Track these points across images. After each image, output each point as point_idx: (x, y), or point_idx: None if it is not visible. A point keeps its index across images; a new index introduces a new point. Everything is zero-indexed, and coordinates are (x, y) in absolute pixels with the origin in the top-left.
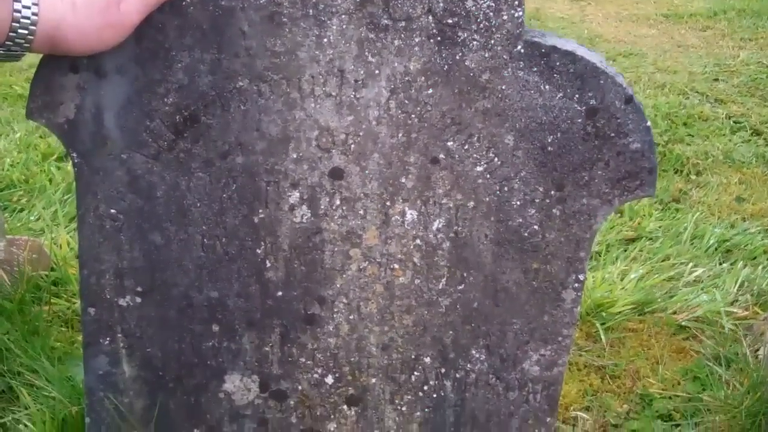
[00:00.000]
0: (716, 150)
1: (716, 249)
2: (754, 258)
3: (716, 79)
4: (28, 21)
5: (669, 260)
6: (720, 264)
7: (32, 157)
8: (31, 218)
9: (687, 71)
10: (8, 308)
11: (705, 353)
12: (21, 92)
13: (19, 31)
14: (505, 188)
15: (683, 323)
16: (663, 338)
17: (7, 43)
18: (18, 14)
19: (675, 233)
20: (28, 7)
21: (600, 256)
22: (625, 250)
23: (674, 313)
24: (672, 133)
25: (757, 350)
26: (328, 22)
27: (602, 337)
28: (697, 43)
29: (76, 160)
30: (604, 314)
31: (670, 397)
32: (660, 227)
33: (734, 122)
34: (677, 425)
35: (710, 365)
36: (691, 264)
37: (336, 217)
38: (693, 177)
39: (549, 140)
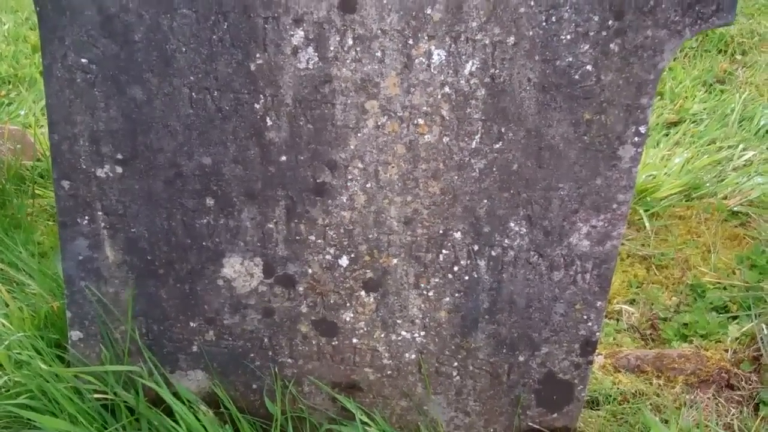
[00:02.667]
0: (763, 28)
1: (767, 131)
2: None
3: None
4: None
5: (715, 144)
6: None
7: (21, 50)
8: (20, 112)
9: None
10: None
11: (763, 238)
12: None
13: None
14: (553, 18)
15: (735, 208)
16: (714, 225)
17: None
18: None
19: (721, 115)
20: None
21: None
22: (667, 134)
23: (725, 198)
24: None
25: None
26: None
27: (646, 224)
28: None
29: None
30: (648, 200)
31: (725, 288)
32: (704, 109)
33: None
34: (735, 317)
35: None
36: (740, 147)
37: (348, 61)
38: (738, 57)
39: None
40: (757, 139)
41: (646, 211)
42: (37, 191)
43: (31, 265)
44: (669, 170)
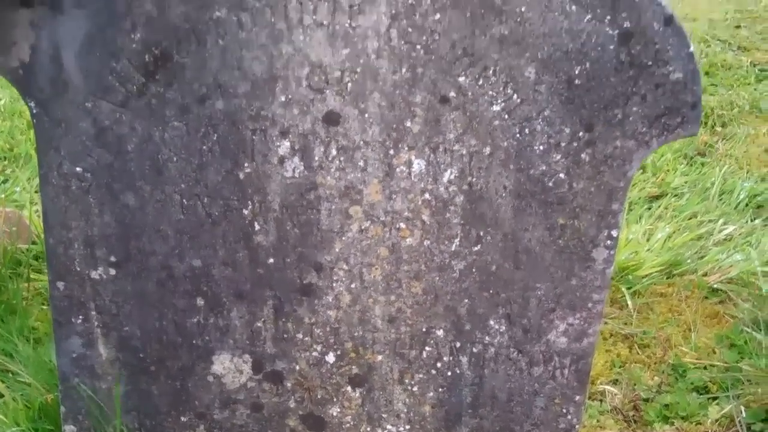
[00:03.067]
0: (742, 100)
1: (747, 204)
2: None
3: (738, 26)
4: None
5: (697, 218)
6: (752, 220)
7: (17, 125)
8: (16, 189)
9: (707, 18)
10: None
11: (741, 318)
12: None
13: None
14: (526, 130)
15: (715, 286)
16: (694, 302)
17: None
18: None
19: (702, 189)
20: None
21: (623, 215)
22: (650, 208)
23: (705, 274)
24: None
25: None
26: None
27: (629, 302)
28: None
29: (34, 111)
30: (630, 278)
31: (705, 367)
32: (686, 183)
33: (759, 70)
34: (714, 398)
35: (748, 331)
36: (720, 221)
37: (332, 170)
38: (718, 129)
39: (576, 72)
40: (737, 213)
41: (628, 288)
42: (31, 275)
43: (26, 355)
44: (651, 246)
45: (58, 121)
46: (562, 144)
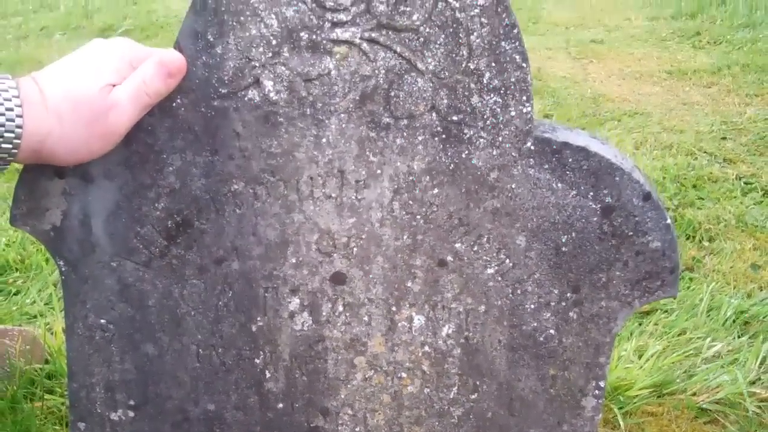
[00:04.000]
0: (728, 214)
1: (734, 321)
2: None
3: (724, 138)
4: (12, 135)
5: (686, 334)
6: (739, 337)
7: (29, 237)
8: (27, 301)
9: (694, 130)
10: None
11: None
12: (18, 167)
13: (2, 145)
14: (518, 291)
15: (704, 406)
16: (684, 423)
17: None
18: (1, 128)
19: (690, 305)
20: (12, 120)
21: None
22: (640, 324)
23: (694, 394)
24: (682, 196)
25: None
26: (327, 121)
27: (621, 423)
28: (703, 100)
29: (63, 269)
30: (621, 398)
31: None
32: (675, 299)
33: (745, 183)
34: None
35: None
36: (709, 339)
37: (339, 324)
38: (706, 243)
39: (563, 240)
40: (725, 330)
41: (620, 408)
42: (45, 395)
43: None
44: (642, 365)
45: (85, 278)
46: (552, 303)
